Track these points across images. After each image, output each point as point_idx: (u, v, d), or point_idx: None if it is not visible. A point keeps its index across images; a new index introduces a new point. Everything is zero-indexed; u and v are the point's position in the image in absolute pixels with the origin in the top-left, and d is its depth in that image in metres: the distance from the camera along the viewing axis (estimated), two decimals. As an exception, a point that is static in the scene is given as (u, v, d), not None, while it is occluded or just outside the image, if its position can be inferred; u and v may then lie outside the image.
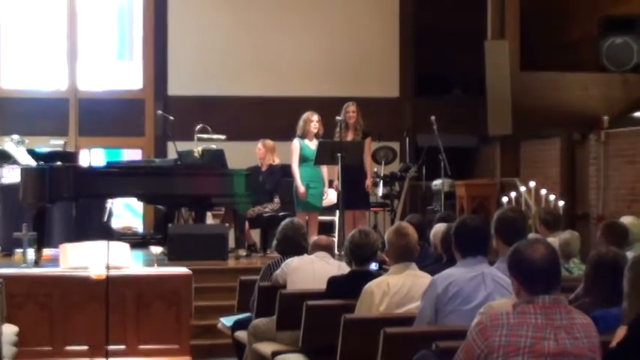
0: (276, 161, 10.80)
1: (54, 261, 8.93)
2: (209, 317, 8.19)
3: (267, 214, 10.58)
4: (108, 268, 7.34)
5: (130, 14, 13.66)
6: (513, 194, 10.74)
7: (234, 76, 13.29)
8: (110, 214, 9.13)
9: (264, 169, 10.80)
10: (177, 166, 10.49)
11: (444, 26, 13.23)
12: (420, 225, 6.47)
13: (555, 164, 12.08)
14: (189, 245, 9.42)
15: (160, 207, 11.76)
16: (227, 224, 10.21)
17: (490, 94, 11.98)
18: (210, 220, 10.92)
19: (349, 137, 10.13)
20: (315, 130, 10.13)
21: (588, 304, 4.28)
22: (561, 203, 10.24)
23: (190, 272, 8.41)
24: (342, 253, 6.78)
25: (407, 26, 13.75)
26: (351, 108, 10.23)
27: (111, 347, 7.49)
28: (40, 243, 9.10)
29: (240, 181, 9.95)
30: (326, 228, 10.61)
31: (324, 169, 10.20)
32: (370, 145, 10.55)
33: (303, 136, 10.16)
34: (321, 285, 5.78)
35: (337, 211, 10.27)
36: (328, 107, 10.56)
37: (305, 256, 6.43)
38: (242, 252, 10.00)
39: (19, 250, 9.15)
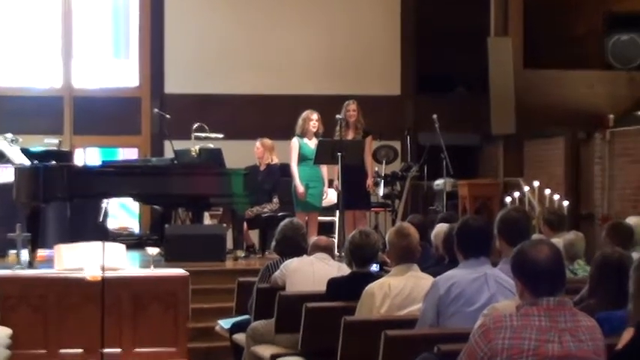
0: (275, 160, 10.79)
1: (48, 262, 8.86)
2: (207, 319, 8.18)
3: (265, 215, 10.55)
4: (103, 269, 7.32)
5: (126, 11, 13.66)
6: (517, 194, 10.73)
7: (232, 73, 13.27)
8: (106, 215, 9.01)
9: (262, 168, 10.78)
10: (174, 165, 10.43)
11: (446, 23, 13.22)
12: (421, 225, 6.53)
13: (560, 163, 12.04)
14: (186, 246, 9.38)
15: (157, 207, 11.72)
16: (225, 225, 10.16)
17: (493, 91, 11.98)
18: (207, 220, 10.89)
19: (349, 136, 10.08)
20: (315, 129, 10.07)
21: (593, 306, 4.29)
22: (566, 203, 10.25)
23: (187, 274, 8.36)
24: (343, 254, 6.81)
25: (408, 23, 13.73)
26: (352, 106, 10.17)
27: (106, 350, 7.46)
28: (34, 244, 9.04)
29: (238, 181, 9.90)
30: (326, 228, 10.58)
31: (324, 169, 10.15)
32: (371, 144, 10.50)
33: (302, 135, 10.10)
34: (321, 287, 5.77)
35: (337, 212, 10.24)
36: (328, 105, 10.53)
37: (304, 257, 6.41)
38: (240, 253, 9.96)
39: (12, 251, 9.09)
